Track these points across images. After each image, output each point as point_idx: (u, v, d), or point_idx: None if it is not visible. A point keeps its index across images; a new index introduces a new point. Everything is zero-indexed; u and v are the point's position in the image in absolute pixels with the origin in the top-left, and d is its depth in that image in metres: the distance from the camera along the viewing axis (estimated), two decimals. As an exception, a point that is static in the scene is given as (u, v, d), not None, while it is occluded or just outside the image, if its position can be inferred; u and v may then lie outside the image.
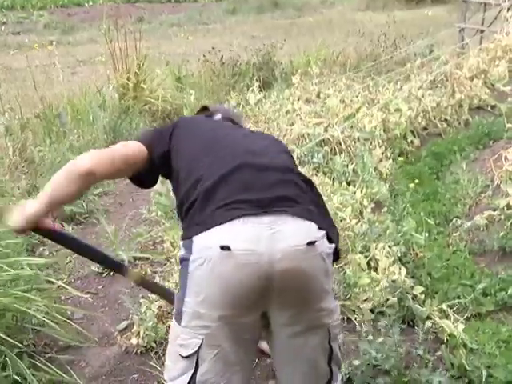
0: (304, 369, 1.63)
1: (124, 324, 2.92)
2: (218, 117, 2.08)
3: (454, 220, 3.93)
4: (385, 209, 3.92)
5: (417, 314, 2.84)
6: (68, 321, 2.74)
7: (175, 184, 1.81)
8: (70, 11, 18.57)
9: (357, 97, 6.03)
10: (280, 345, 1.64)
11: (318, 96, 6.20)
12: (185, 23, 16.18)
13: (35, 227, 1.76)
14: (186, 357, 1.53)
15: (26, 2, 18.56)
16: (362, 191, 3.86)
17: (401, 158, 5.15)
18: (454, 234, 3.77)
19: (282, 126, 5.18)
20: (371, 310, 2.86)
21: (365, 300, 2.90)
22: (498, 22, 8.84)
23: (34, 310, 2.55)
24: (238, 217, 1.48)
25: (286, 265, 1.46)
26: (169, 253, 3.42)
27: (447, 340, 2.67)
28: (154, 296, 2.93)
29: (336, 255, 1.65)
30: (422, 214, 3.91)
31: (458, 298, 3.04)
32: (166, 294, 2.16)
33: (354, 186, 4.00)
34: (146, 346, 2.71)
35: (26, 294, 2.55)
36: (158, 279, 3.08)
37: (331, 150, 4.77)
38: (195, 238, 1.52)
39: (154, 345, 2.68)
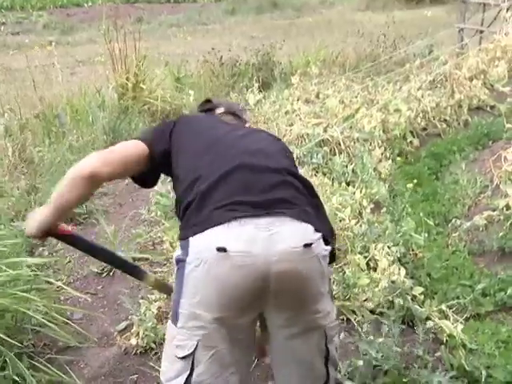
0: (301, 370, 1.64)
1: (123, 324, 2.92)
2: (221, 110, 2.07)
3: (454, 220, 3.93)
4: (384, 209, 3.93)
5: (416, 315, 2.83)
6: (67, 321, 2.74)
7: (174, 182, 1.81)
8: (69, 11, 18.56)
9: (356, 97, 6.03)
10: (277, 346, 1.64)
11: (318, 96, 6.21)
12: (184, 24, 16.18)
13: (48, 233, 1.78)
14: (182, 358, 1.53)
15: (25, 2, 18.55)
16: (361, 191, 3.86)
17: (400, 159, 5.15)
18: (454, 235, 3.77)
19: (282, 127, 5.18)
20: (371, 311, 2.86)
21: (364, 300, 2.90)
22: (498, 23, 8.83)
23: (33, 311, 2.55)
24: (235, 218, 1.48)
25: (283, 266, 1.45)
26: (168, 253, 3.42)
27: (446, 340, 2.67)
28: (153, 297, 2.93)
29: (332, 257, 1.64)
30: (421, 214, 3.91)
31: (458, 298, 3.05)
32: None
33: (354, 187, 4.00)
34: (145, 347, 2.71)
35: (25, 295, 2.55)
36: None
37: (330, 150, 4.77)
38: (192, 239, 1.51)
39: (153, 345, 2.68)
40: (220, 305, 1.48)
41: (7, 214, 3.82)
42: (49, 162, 4.63)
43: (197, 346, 1.51)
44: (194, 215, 1.57)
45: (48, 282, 2.93)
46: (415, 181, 4.45)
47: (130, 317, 2.90)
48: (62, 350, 2.73)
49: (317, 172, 4.39)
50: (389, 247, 3.22)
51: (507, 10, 8.67)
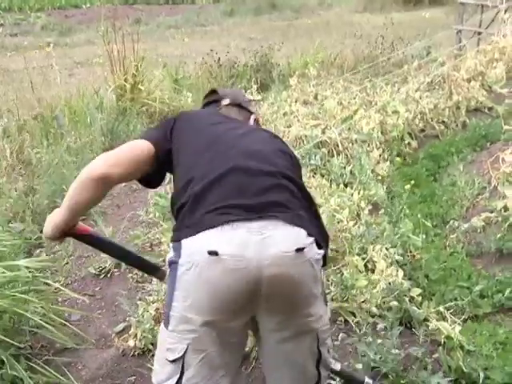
0: (292, 374, 1.63)
1: (121, 326, 2.92)
2: (226, 102, 2.03)
3: (451, 222, 3.93)
4: (382, 211, 3.92)
5: (414, 316, 2.83)
6: (65, 323, 2.73)
7: (174, 179, 1.79)
8: (67, 13, 18.52)
9: (354, 99, 6.04)
10: (268, 350, 1.64)
11: (316, 98, 6.21)
12: (182, 25, 16.17)
13: (66, 234, 1.79)
14: (173, 361, 1.52)
15: (23, 3, 18.52)
16: (359, 193, 3.86)
17: (398, 160, 5.15)
18: (451, 236, 3.77)
19: (280, 128, 5.17)
20: (369, 312, 2.86)
21: (362, 302, 2.90)
22: (496, 24, 8.87)
23: (31, 312, 2.54)
24: (227, 222, 1.47)
25: (274, 271, 1.45)
26: (166, 255, 3.41)
27: (444, 342, 2.67)
28: (151, 298, 2.93)
29: (324, 260, 1.63)
30: (419, 215, 3.91)
31: (455, 300, 3.04)
32: None
33: (352, 188, 4.00)
34: (143, 348, 2.71)
35: (23, 296, 2.55)
36: (155, 282, 3.07)
37: (329, 151, 4.77)
38: (184, 242, 1.51)
39: (151, 347, 2.67)
40: (211, 308, 1.48)
41: (5, 215, 3.81)
42: (47, 163, 4.62)
43: (187, 349, 1.50)
44: (187, 217, 1.56)
45: (46, 284, 2.93)
46: (413, 182, 4.46)
47: (127, 318, 2.90)
48: (60, 352, 2.73)
49: (315, 173, 4.39)
50: (387, 249, 3.22)
51: (505, 11, 8.69)
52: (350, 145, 4.89)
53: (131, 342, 2.72)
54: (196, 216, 1.53)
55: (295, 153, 1.92)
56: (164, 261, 3.37)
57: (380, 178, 4.65)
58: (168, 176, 1.91)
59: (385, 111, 5.63)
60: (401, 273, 3.02)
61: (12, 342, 2.41)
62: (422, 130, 5.89)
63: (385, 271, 3.02)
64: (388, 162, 4.89)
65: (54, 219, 1.76)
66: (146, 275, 3.26)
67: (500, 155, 4.37)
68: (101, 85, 6.74)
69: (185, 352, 1.50)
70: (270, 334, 1.59)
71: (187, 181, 1.63)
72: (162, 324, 1.59)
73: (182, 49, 10.91)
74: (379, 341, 2.52)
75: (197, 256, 1.46)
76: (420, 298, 2.96)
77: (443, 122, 6.06)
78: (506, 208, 3.69)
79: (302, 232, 1.52)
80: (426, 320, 2.81)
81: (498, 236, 3.54)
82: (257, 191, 1.55)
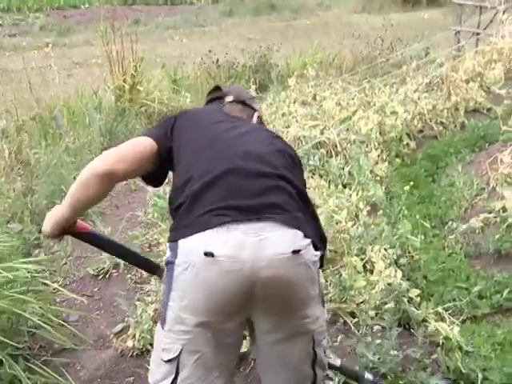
0: (288, 375, 1.64)
1: (120, 327, 2.92)
2: (230, 99, 2.03)
3: (450, 223, 3.94)
4: (380, 211, 3.92)
5: (412, 317, 2.83)
6: (63, 323, 2.73)
7: (174, 177, 1.79)
8: (66, 13, 18.49)
9: (353, 99, 6.04)
10: (264, 351, 1.64)
11: (314, 98, 6.21)
12: (181, 26, 16.15)
13: (65, 232, 1.78)
14: (168, 361, 1.52)
15: (22, 4, 18.48)
16: (357, 194, 3.85)
17: (397, 160, 5.15)
18: (450, 237, 3.77)
19: (278, 129, 5.18)
20: (367, 313, 2.86)
21: (361, 303, 2.90)
22: (494, 25, 8.86)
23: (29, 313, 2.54)
24: (224, 223, 1.47)
25: (270, 272, 1.45)
26: (165, 255, 3.40)
27: (443, 343, 2.67)
28: (149, 298, 2.93)
29: (321, 261, 1.64)
30: (417, 216, 3.91)
31: (454, 300, 3.04)
32: None
33: (350, 189, 4.00)
34: (141, 349, 2.71)
35: (21, 296, 2.54)
36: (153, 282, 3.08)
37: (327, 152, 4.77)
38: (181, 242, 1.51)
39: (149, 347, 2.67)
40: (207, 309, 1.48)
41: (3, 215, 3.81)
42: (45, 163, 4.62)
43: (182, 349, 1.50)
44: (184, 217, 1.56)
45: (44, 284, 2.93)
46: (412, 183, 4.45)
47: (126, 319, 2.90)
48: (58, 352, 2.72)
49: (313, 174, 4.39)
50: (385, 249, 3.22)
51: (503, 12, 8.69)
52: (349, 145, 4.89)
53: (129, 343, 2.72)
54: (193, 216, 1.53)
55: (296, 153, 1.91)
56: (163, 261, 3.38)
57: (378, 178, 4.65)
58: (168, 176, 1.91)
59: (383, 112, 5.64)
60: (399, 273, 3.02)
61: (10, 342, 2.41)
62: (421, 131, 5.89)
63: (383, 272, 3.02)
64: (386, 163, 4.89)
65: (54, 216, 1.75)
66: (144, 276, 3.26)
67: (498, 156, 4.37)
68: (99, 85, 6.73)
69: (180, 352, 1.50)
70: (265, 335, 1.59)
71: (186, 179, 1.62)
72: (159, 324, 1.59)
73: (181, 49, 10.91)
74: (378, 342, 2.52)
75: (193, 256, 1.46)
76: (418, 299, 2.96)
77: (442, 122, 6.05)
78: (504, 209, 3.69)
79: (299, 234, 1.52)
80: (424, 321, 2.81)
81: (497, 237, 3.54)
82: (254, 193, 1.55)
